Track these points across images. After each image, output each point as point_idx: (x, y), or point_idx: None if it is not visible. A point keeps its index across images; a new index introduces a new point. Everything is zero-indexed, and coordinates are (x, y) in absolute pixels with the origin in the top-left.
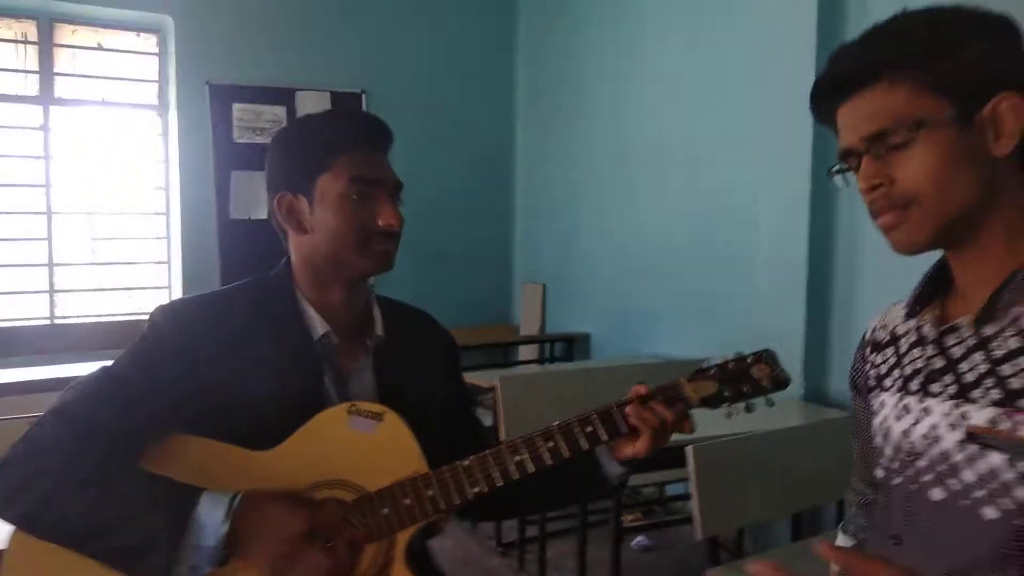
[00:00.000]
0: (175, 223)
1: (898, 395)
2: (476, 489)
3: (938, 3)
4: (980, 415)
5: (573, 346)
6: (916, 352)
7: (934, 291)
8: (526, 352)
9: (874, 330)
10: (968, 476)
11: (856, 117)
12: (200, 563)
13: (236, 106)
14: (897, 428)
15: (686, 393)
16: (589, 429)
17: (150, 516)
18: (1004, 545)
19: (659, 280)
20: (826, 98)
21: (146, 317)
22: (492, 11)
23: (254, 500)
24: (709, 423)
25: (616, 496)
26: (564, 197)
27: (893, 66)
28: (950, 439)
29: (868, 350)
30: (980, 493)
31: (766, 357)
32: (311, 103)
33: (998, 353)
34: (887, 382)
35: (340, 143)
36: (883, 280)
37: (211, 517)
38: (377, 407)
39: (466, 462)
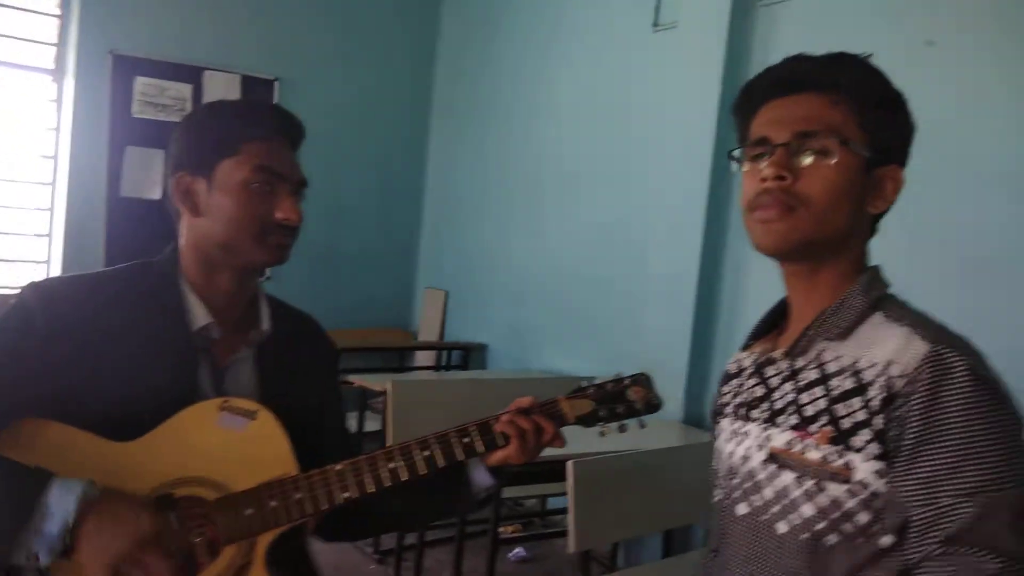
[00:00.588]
0: (60, 195)
1: (730, 420)
2: (346, 494)
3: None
4: (780, 438)
5: (469, 355)
6: (750, 382)
7: (771, 327)
8: (423, 358)
9: (729, 364)
10: (767, 494)
11: (793, 114)
12: (40, 550)
13: (139, 80)
14: (726, 450)
15: (563, 410)
16: (466, 440)
17: None
18: (793, 558)
19: (557, 297)
20: (769, 88)
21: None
22: (414, 13)
23: (107, 496)
24: (592, 439)
25: (494, 508)
26: (472, 206)
27: (847, 89)
28: (757, 459)
29: (721, 382)
30: (775, 509)
31: (642, 380)
32: (219, 84)
33: (802, 383)
34: (727, 410)
35: (251, 129)
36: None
37: (60, 503)
38: (251, 404)
39: (338, 466)
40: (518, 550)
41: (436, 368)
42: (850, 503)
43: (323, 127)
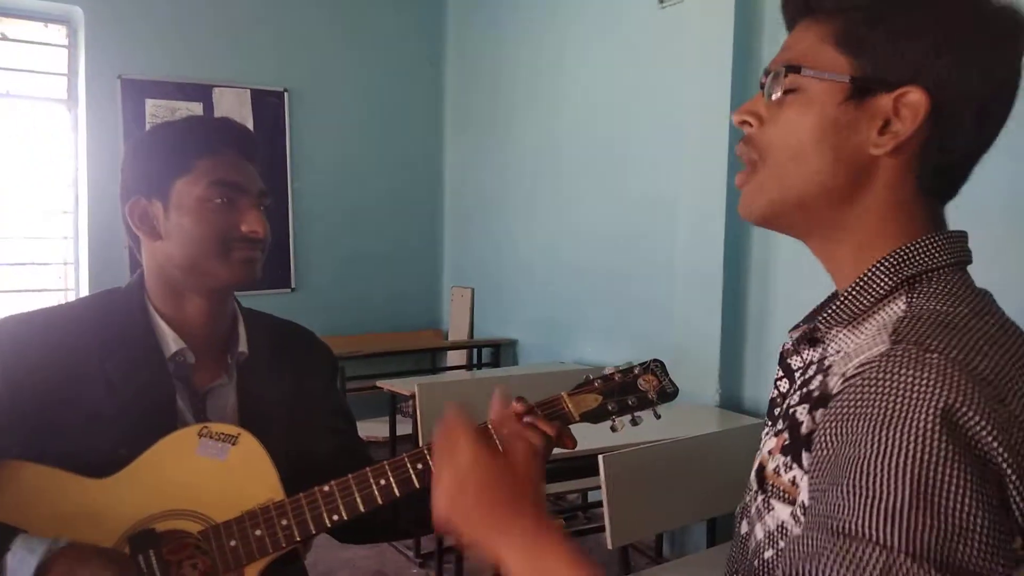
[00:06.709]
0: (83, 221)
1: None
2: (336, 517)
3: None
4: (768, 444)
5: (500, 352)
6: (778, 372)
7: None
8: (455, 357)
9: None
10: (751, 511)
11: (784, 44)
12: None
13: (149, 102)
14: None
15: (566, 408)
16: None
17: None
18: None
19: (585, 287)
20: (786, 13)
21: None
22: (420, 11)
23: (71, 552)
24: (626, 430)
25: None
26: (494, 201)
27: (819, 4)
28: (754, 468)
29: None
30: (760, 536)
31: (654, 368)
32: (230, 100)
33: (808, 378)
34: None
35: (201, 145)
36: (796, 290)
37: (21, 566)
38: (232, 429)
39: (326, 487)
40: None
41: (468, 367)
42: (797, 531)
43: (336, 133)
